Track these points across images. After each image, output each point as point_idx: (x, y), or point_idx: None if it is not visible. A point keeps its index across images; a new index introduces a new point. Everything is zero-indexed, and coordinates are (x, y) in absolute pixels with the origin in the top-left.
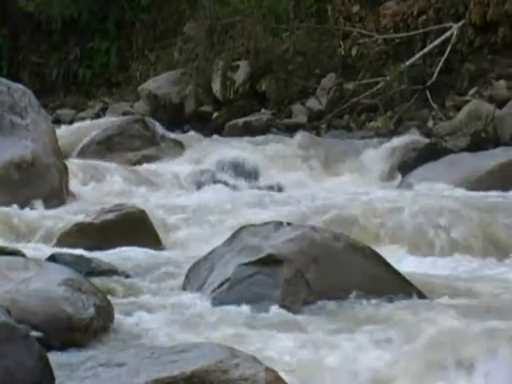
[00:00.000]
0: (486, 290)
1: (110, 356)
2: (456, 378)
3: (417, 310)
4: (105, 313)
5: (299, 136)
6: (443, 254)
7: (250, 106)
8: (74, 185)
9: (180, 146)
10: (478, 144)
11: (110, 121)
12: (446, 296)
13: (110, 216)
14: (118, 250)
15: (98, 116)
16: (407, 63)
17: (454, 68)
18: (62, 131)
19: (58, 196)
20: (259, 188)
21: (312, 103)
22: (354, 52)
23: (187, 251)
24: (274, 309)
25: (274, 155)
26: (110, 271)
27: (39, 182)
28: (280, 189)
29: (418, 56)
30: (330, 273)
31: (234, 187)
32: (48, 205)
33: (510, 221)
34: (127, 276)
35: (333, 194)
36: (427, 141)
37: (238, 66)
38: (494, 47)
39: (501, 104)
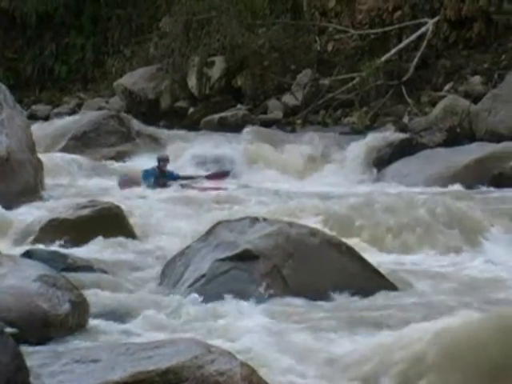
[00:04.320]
0: (455, 283)
1: (85, 352)
2: None
3: (391, 304)
4: (80, 309)
5: (274, 131)
6: (415, 247)
7: (226, 101)
8: (49, 180)
9: (156, 142)
10: (453, 139)
11: (85, 116)
12: (417, 289)
13: (86, 212)
14: (93, 245)
15: (73, 112)
16: (383, 59)
17: (430, 63)
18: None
19: (33, 191)
20: (234, 183)
21: (288, 99)
22: (329, 47)
23: (163, 246)
24: (251, 304)
25: (249, 151)
26: (86, 267)
27: (14, 177)
28: (254, 184)
29: (393, 51)
30: (306, 268)
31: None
32: (23, 200)
33: (484, 215)
34: (103, 271)
35: (308, 190)
36: (403, 136)
37: (213, 62)
38: (469, 43)
39: (476, 99)
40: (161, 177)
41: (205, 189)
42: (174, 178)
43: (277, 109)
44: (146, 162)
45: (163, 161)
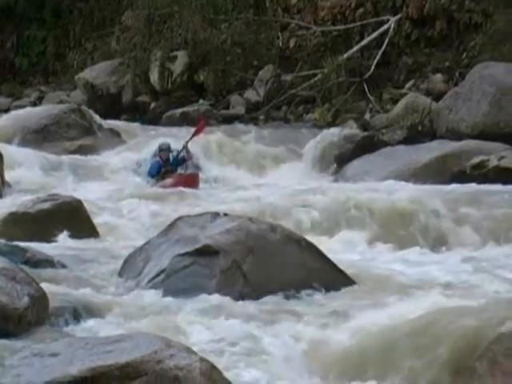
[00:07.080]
0: (414, 279)
1: (43, 346)
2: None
3: (350, 297)
4: (40, 303)
5: (237, 127)
6: (375, 244)
7: (188, 96)
8: (9, 174)
9: (117, 136)
10: (414, 137)
11: (45, 109)
12: (375, 284)
13: (46, 205)
14: (53, 239)
15: (34, 105)
16: (345, 56)
17: (392, 61)
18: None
19: None
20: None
21: (250, 94)
22: (292, 44)
23: (123, 240)
24: (210, 299)
25: (211, 146)
26: (46, 261)
27: None
28: (215, 181)
29: (355, 49)
30: (266, 264)
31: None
32: None
33: (443, 213)
34: (63, 266)
35: (267, 186)
36: (364, 133)
37: (175, 57)
38: (430, 41)
39: (437, 97)
40: (166, 167)
41: (177, 184)
42: (179, 162)
43: (239, 104)
44: (108, 155)
45: (164, 150)
